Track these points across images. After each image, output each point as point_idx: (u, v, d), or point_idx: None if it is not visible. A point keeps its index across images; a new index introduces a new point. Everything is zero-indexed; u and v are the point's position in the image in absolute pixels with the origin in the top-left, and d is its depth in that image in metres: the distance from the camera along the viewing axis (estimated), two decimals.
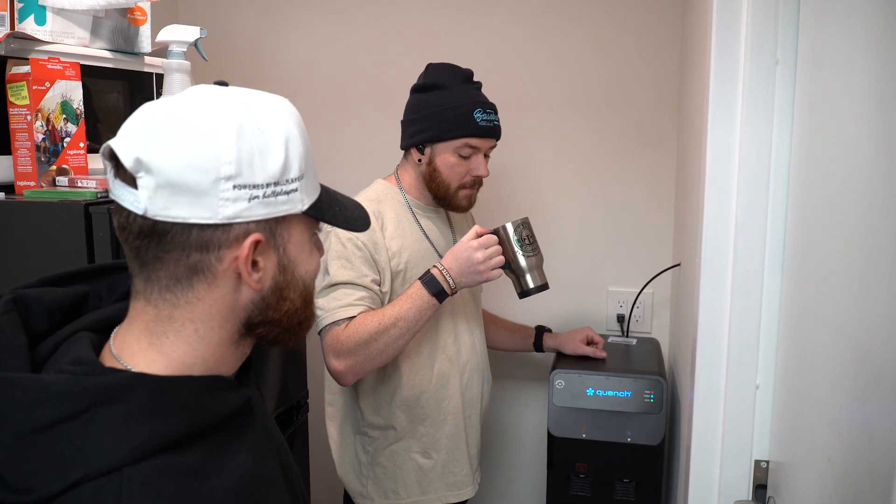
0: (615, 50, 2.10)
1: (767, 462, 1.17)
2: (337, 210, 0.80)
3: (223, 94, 0.72)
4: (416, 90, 1.65)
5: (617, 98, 2.12)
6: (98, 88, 1.55)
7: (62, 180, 1.35)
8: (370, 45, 2.26)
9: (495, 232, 1.54)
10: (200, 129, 0.68)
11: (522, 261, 1.55)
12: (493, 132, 1.60)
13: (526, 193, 2.21)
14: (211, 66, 1.86)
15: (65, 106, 1.37)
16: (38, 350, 0.73)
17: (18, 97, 1.33)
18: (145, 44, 1.63)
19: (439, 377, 1.62)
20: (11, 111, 1.34)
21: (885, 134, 0.68)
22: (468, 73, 1.64)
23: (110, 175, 0.71)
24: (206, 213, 0.68)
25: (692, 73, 1.65)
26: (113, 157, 0.70)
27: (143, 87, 1.65)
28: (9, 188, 1.36)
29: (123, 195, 0.69)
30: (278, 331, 0.78)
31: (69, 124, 1.38)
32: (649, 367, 1.81)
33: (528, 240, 1.56)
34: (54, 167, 1.36)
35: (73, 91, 1.39)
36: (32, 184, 1.34)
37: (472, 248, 1.49)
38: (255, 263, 0.72)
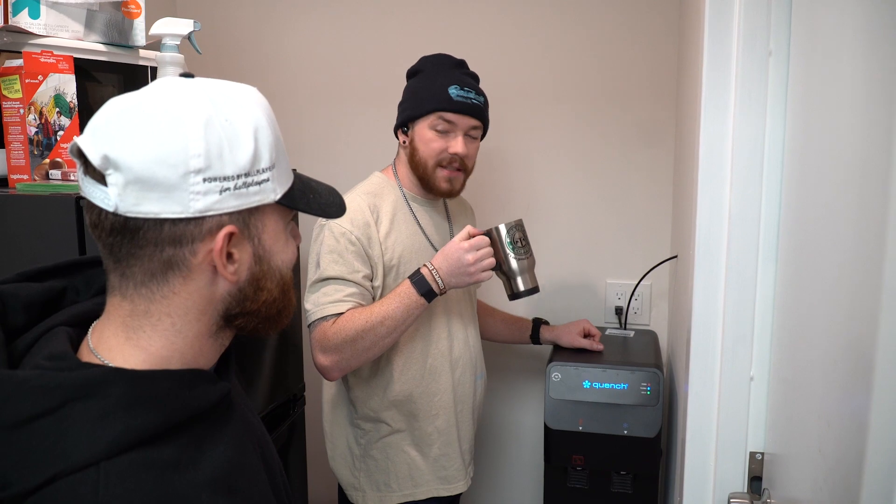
0: (613, 43, 2.10)
1: (762, 454, 1.17)
2: (311, 197, 0.80)
3: (189, 86, 0.71)
4: (406, 78, 1.67)
5: (615, 91, 2.11)
6: (92, 82, 1.55)
7: (55, 173, 1.35)
8: (367, 37, 2.25)
9: (488, 233, 1.54)
10: (167, 122, 0.67)
11: (514, 263, 1.54)
12: (469, 109, 1.57)
13: (524, 186, 2.20)
14: (209, 59, 1.86)
15: (58, 99, 1.37)
16: (16, 345, 0.73)
17: (11, 90, 1.33)
18: (139, 37, 1.63)
19: (431, 372, 1.62)
20: (4, 104, 1.34)
21: (878, 125, 0.67)
22: (458, 61, 1.64)
23: (80, 173, 0.70)
24: (178, 207, 0.68)
25: (688, 65, 1.65)
26: (81, 155, 0.69)
27: (137, 81, 1.65)
28: (2, 181, 1.36)
29: (94, 193, 0.69)
30: (257, 321, 0.78)
31: (62, 118, 1.38)
32: (646, 359, 1.81)
33: (521, 242, 1.55)
34: (47, 160, 1.36)
35: (67, 84, 1.38)
36: (25, 177, 1.34)
37: (462, 250, 1.48)
38: (230, 255, 0.72)
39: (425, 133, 1.58)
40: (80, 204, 1.23)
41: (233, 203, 0.70)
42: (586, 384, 1.75)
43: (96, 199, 0.68)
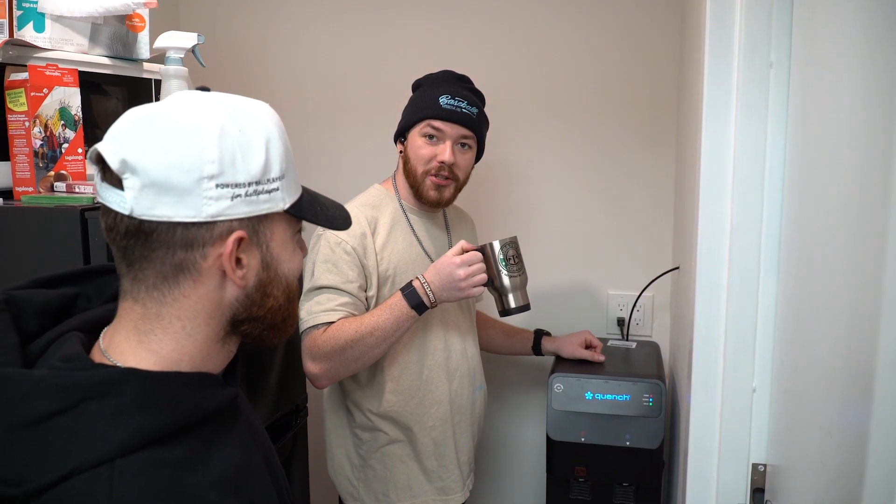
0: (614, 54, 2.11)
1: (765, 465, 1.17)
2: (318, 209, 0.83)
3: (206, 98, 0.74)
4: (412, 91, 1.70)
5: (616, 102, 2.12)
6: (97, 95, 1.56)
7: (60, 186, 1.35)
8: (370, 49, 2.27)
9: (481, 249, 1.54)
10: (184, 130, 0.70)
11: (506, 280, 1.55)
12: (457, 117, 1.57)
13: (525, 198, 2.21)
14: (212, 72, 1.87)
15: (63, 112, 1.38)
16: (30, 349, 0.74)
17: (17, 104, 1.34)
18: (144, 50, 1.64)
19: (427, 383, 1.63)
20: (10, 117, 1.35)
21: (878, 136, 0.68)
22: (459, 76, 1.66)
23: (97, 178, 0.73)
24: (190, 211, 0.70)
25: (689, 76, 1.66)
26: (100, 161, 0.71)
27: (141, 93, 1.66)
28: (7, 194, 1.37)
29: (110, 197, 0.71)
30: (262, 328, 0.80)
31: (67, 130, 1.39)
32: (648, 370, 1.81)
33: (514, 259, 1.55)
34: (52, 173, 1.36)
35: (72, 97, 1.39)
36: (31, 189, 1.35)
37: (454, 265, 1.49)
38: (238, 261, 0.74)
39: (416, 140, 1.60)
40: (84, 216, 1.23)
41: (243, 209, 0.72)
42: (588, 395, 1.75)
43: (112, 203, 0.71)
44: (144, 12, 1.63)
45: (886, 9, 0.67)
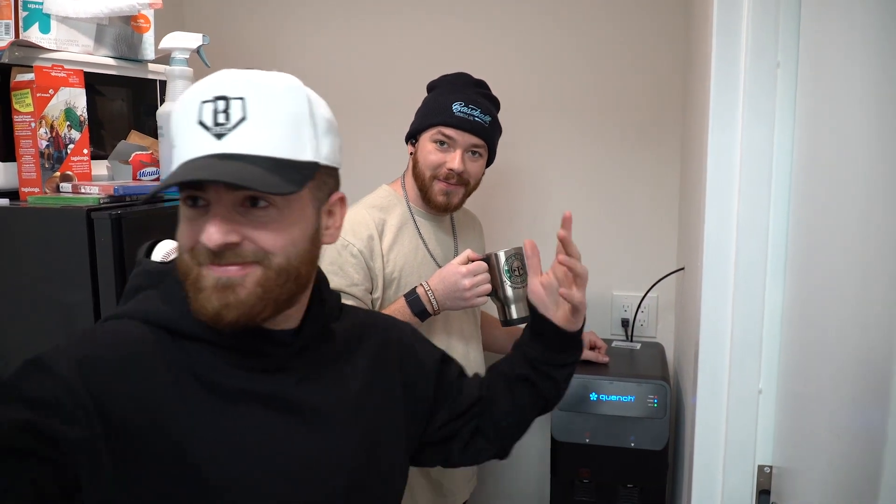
0: (619, 54, 2.10)
1: (771, 467, 1.16)
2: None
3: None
4: (426, 92, 1.69)
5: (621, 102, 2.12)
6: (102, 96, 1.56)
7: (66, 186, 1.35)
8: (376, 50, 2.27)
9: (486, 259, 1.55)
10: None
11: (510, 291, 1.56)
12: (469, 126, 1.57)
13: (530, 198, 2.21)
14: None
15: (69, 113, 1.38)
16: None
17: (23, 104, 1.34)
18: (149, 51, 1.64)
19: None
20: (16, 118, 1.35)
21: (887, 137, 0.68)
22: (476, 81, 1.65)
23: None
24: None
25: (695, 76, 1.65)
26: None
27: (146, 94, 1.66)
28: (13, 194, 1.37)
29: None
30: None
31: (73, 131, 1.39)
32: (653, 371, 1.81)
33: (518, 271, 1.56)
34: (58, 173, 1.36)
35: (77, 98, 1.39)
36: (36, 190, 1.35)
37: (460, 274, 1.51)
38: None
39: (426, 145, 1.60)
40: (90, 216, 1.23)
41: None
42: (593, 396, 1.74)
43: None
44: (149, 13, 1.63)
45: (894, 8, 0.67)
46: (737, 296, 1.16)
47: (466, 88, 1.62)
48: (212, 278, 0.81)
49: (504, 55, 2.17)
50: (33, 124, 1.33)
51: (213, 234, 0.79)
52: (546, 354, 1.17)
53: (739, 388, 1.17)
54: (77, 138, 1.40)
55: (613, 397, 1.73)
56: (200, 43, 1.57)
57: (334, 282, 1.50)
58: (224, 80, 0.85)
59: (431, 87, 1.67)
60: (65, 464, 0.73)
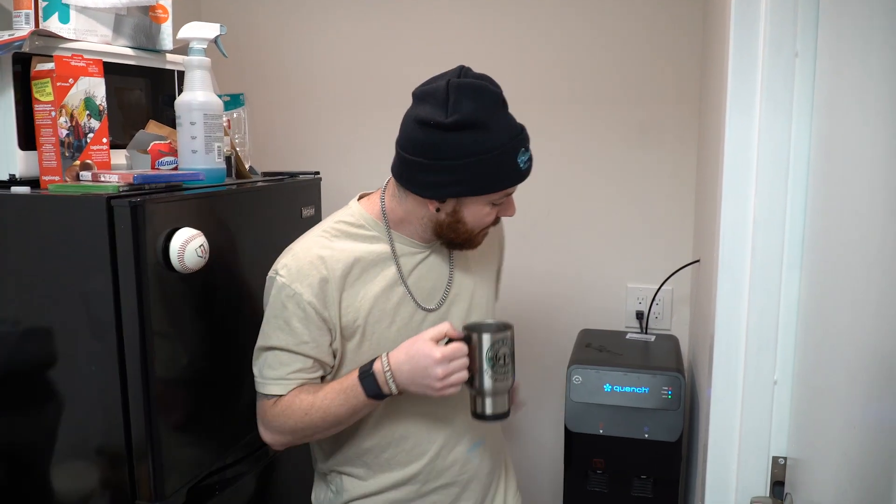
0: (635, 43, 2.09)
1: (785, 458, 1.16)
2: None
3: None
4: (437, 126, 1.20)
5: (638, 93, 2.11)
6: (120, 85, 1.57)
7: (86, 175, 1.37)
8: (390, 43, 2.27)
9: (467, 339, 1.23)
10: None
11: (487, 383, 1.23)
12: (531, 169, 1.31)
13: (545, 190, 2.20)
14: (232, 63, 1.88)
15: (88, 102, 1.39)
16: None
17: (43, 93, 1.35)
18: (167, 41, 1.65)
19: (403, 437, 1.36)
20: (36, 107, 1.37)
21: None
22: (501, 96, 1.26)
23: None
24: None
25: (712, 67, 1.64)
26: None
27: (164, 84, 1.67)
28: (34, 183, 1.39)
29: None
30: None
31: (92, 120, 1.41)
32: (667, 363, 1.81)
33: (504, 360, 1.24)
34: (78, 162, 1.38)
35: (97, 87, 1.41)
36: (57, 178, 1.36)
37: (432, 360, 1.19)
38: None
39: (482, 209, 1.26)
40: (110, 203, 1.25)
41: None
42: (607, 387, 1.75)
43: None
44: (167, 3, 1.64)
45: None
46: (752, 287, 1.16)
47: (506, 118, 1.26)
48: None
49: (519, 49, 2.17)
50: (53, 113, 1.35)
51: None
52: None
53: (754, 379, 1.17)
54: (97, 127, 1.41)
55: (628, 388, 1.74)
56: (218, 33, 1.58)
57: (279, 338, 1.26)
58: None
59: (469, 124, 1.19)
60: None
